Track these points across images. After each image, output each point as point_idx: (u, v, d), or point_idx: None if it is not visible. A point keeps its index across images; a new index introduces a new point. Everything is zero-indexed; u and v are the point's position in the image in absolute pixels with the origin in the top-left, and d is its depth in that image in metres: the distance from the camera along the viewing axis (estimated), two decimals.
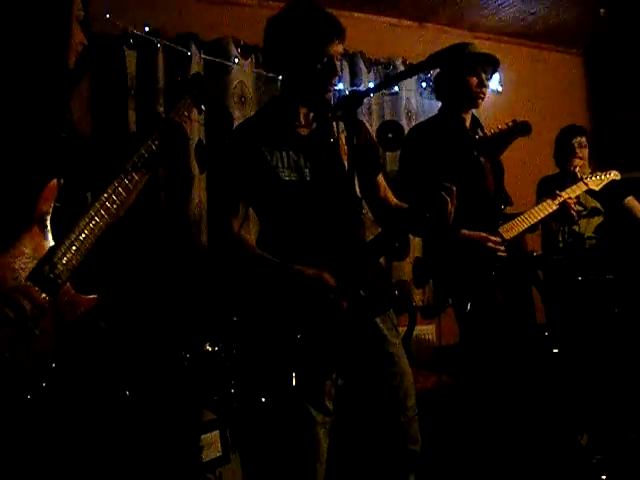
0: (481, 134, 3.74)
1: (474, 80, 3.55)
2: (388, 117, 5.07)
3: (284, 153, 2.61)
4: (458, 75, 3.54)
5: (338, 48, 2.59)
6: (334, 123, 2.65)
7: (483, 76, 3.56)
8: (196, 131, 4.23)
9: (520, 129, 3.33)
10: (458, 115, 3.63)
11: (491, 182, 3.67)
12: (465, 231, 3.38)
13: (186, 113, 2.34)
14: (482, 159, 3.56)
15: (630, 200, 4.70)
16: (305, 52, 2.55)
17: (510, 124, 3.26)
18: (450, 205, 2.50)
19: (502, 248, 3.44)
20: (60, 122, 2.17)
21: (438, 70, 3.65)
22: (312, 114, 2.70)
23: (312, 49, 2.54)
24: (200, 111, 2.48)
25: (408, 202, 3.14)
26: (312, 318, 2.43)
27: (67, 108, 2.26)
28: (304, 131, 2.68)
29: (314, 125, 2.70)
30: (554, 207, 3.77)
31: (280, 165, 2.59)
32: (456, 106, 3.63)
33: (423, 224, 2.61)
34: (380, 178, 2.89)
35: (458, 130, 3.60)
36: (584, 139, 4.75)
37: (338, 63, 2.61)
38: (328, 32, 2.55)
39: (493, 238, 3.44)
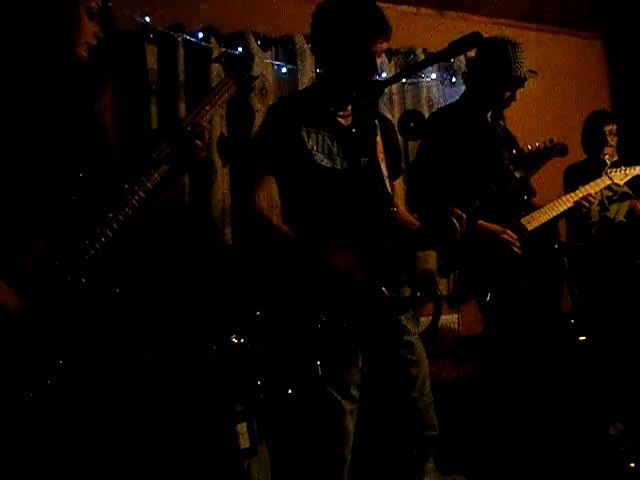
0: (502, 124, 3.74)
1: (508, 94, 3.54)
2: (409, 106, 5.04)
3: (321, 137, 2.63)
4: (495, 88, 3.52)
5: (382, 46, 2.60)
6: (374, 118, 2.67)
7: (516, 92, 3.56)
8: (218, 124, 4.24)
9: (558, 150, 3.32)
10: (482, 108, 3.61)
11: None
12: (482, 222, 3.36)
13: (227, 95, 2.29)
14: (502, 150, 3.56)
15: None
16: (348, 47, 2.56)
17: (548, 144, 3.25)
18: (458, 233, 2.56)
19: (518, 244, 3.42)
20: (81, 117, 2.18)
21: (475, 54, 3.63)
22: (350, 106, 2.72)
23: (355, 45, 2.55)
24: (245, 90, 2.40)
25: (417, 207, 3.16)
26: (334, 301, 2.44)
27: (92, 104, 2.26)
28: (344, 121, 2.70)
29: (353, 116, 2.71)
30: (569, 204, 3.75)
31: (315, 148, 2.60)
32: (483, 104, 3.60)
33: (430, 245, 2.66)
34: (397, 183, 2.90)
35: (480, 121, 3.59)
36: (615, 127, 4.70)
37: (379, 60, 2.62)
38: (374, 31, 2.56)
39: (509, 232, 3.42)
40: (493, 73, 3.46)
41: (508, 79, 3.45)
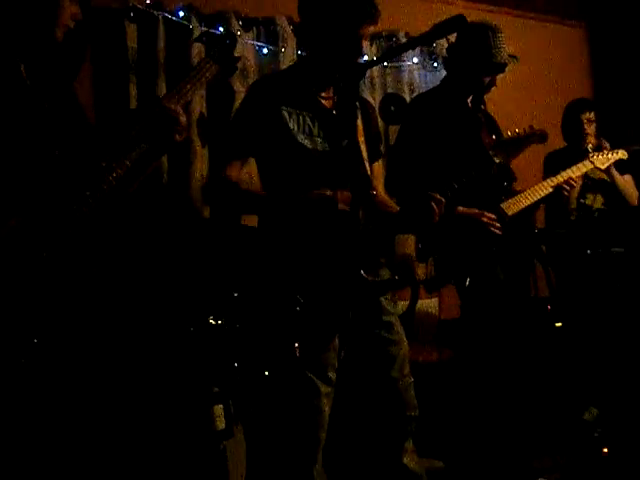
0: (483, 108, 3.74)
1: (488, 79, 3.53)
2: (390, 90, 5.03)
3: (302, 118, 2.62)
4: (475, 73, 3.51)
5: (369, 30, 2.59)
6: (355, 100, 2.66)
7: (497, 77, 3.56)
8: (198, 104, 4.21)
9: (537, 136, 3.32)
10: (462, 92, 3.60)
11: None
12: (461, 208, 3.37)
13: (207, 75, 2.27)
14: (483, 135, 3.56)
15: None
16: (335, 29, 2.54)
17: (528, 130, 3.26)
18: (437, 217, 2.59)
19: (497, 225, 3.42)
20: (58, 94, 2.15)
21: (455, 40, 3.62)
22: (331, 87, 2.71)
23: (343, 28, 2.54)
24: (227, 70, 2.38)
25: (396, 191, 3.16)
26: (313, 278, 2.44)
27: (71, 81, 2.23)
28: (326, 102, 2.68)
29: (335, 98, 2.70)
30: (550, 189, 3.76)
31: (296, 128, 2.59)
32: (463, 89, 3.60)
33: (409, 229, 2.78)
34: (376, 166, 2.90)
35: (460, 106, 3.59)
36: (592, 114, 4.70)
37: (365, 43, 2.61)
38: (363, 15, 2.54)
39: (488, 214, 3.42)
40: (473, 58, 3.45)
41: (488, 64, 3.45)
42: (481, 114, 3.69)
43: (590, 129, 4.66)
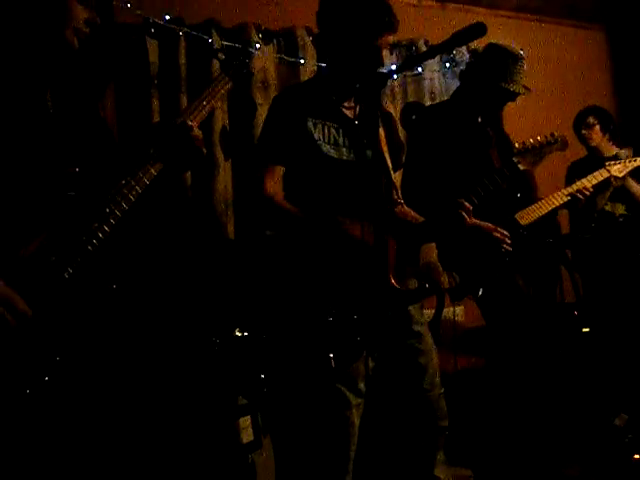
0: (498, 126, 3.73)
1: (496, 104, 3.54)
2: (411, 98, 5.03)
3: (327, 128, 2.63)
4: (487, 95, 3.50)
5: (388, 39, 2.59)
6: (376, 110, 2.66)
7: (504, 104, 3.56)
8: (220, 118, 4.24)
9: (559, 144, 3.31)
10: (472, 110, 3.58)
11: None
12: (474, 219, 3.34)
13: (223, 91, 2.28)
14: (491, 151, 3.55)
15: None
16: (354, 40, 2.55)
17: (550, 138, 3.25)
18: (468, 222, 2.62)
19: (508, 241, 3.39)
20: (82, 111, 2.16)
21: (476, 58, 3.61)
22: (353, 97, 2.71)
23: (362, 39, 2.55)
24: (243, 83, 2.36)
25: (413, 200, 3.16)
26: (346, 286, 2.43)
27: (96, 101, 2.24)
28: (349, 112, 2.69)
29: (358, 108, 2.70)
30: (565, 198, 3.75)
31: (322, 139, 2.60)
32: (473, 106, 3.58)
33: (438, 238, 2.85)
34: (398, 175, 2.90)
35: (470, 121, 3.57)
36: (592, 118, 4.72)
37: (385, 52, 2.62)
38: (382, 25, 2.55)
39: (501, 230, 3.39)
40: (488, 80, 3.43)
41: (501, 89, 3.41)
42: (491, 130, 3.66)
43: (588, 133, 4.71)
